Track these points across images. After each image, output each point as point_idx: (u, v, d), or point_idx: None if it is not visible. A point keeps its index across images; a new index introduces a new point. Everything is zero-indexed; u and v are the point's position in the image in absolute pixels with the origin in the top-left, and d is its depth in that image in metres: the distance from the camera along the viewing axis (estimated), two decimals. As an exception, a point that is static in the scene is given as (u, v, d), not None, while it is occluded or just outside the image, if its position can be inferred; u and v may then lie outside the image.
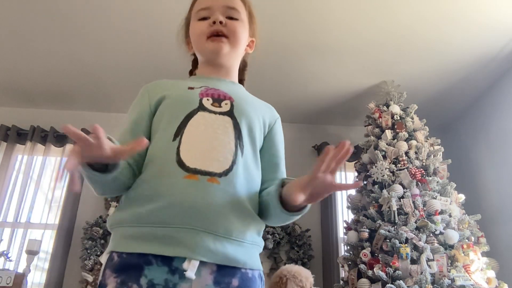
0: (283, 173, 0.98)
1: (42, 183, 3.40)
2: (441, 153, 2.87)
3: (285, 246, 3.21)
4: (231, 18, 1.01)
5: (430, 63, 3.01)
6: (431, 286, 2.15)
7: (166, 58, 3.00)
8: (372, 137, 3.02)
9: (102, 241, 3.01)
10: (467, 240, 2.43)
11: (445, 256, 2.27)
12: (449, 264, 2.27)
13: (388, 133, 2.92)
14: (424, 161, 2.75)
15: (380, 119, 3.03)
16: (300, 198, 0.77)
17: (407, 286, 2.18)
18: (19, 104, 3.61)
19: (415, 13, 2.55)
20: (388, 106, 3.08)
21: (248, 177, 0.87)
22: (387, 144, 2.87)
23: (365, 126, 3.19)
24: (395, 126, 2.94)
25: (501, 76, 3.11)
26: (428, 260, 2.26)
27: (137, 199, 0.81)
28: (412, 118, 2.99)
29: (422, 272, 2.20)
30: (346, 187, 0.89)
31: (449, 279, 2.17)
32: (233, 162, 0.84)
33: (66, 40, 2.83)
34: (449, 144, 3.40)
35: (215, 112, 0.89)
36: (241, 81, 1.12)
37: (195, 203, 0.78)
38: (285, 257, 3.18)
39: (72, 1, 2.50)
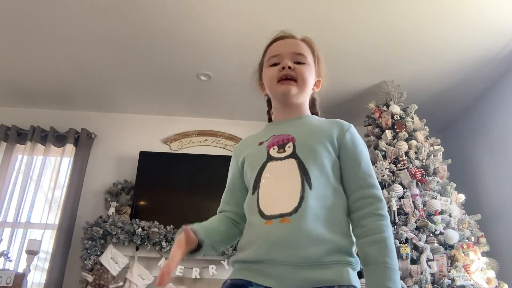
0: (363, 180, 1.03)
1: (42, 183, 3.40)
2: (441, 153, 2.87)
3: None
4: (298, 62, 1.14)
5: (430, 63, 3.01)
6: (431, 286, 2.15)
7: (166, 58, 3.00)
8: (372, 137, 3.02)
9: (102, 241, 3.00)
10: (467, 240, 2.43)
11: (445, 256, 2.27)
12: (449, 264, 2.27)
13: (388, 133, 2.92)
14: (424, 161, 2.75)
15: (380, 119, 3.03)
16: None
17: (407, 286, 2.18)
18: (19, 104, 3.61)
19: (415, 13, 2.55)
20: (388, 106, 3.08)
21: (323, 203, 0.96)
22: (387, 144, 2.87)
23: (365, 126, 3.19)
24: (395, 126, 2.94)
25: (501, 76, 3.11)
26: (428, 260, 2.26)
27: (243, 246, 1.02)
28: (412, 118, 2.99)
29: (422, 272, 2.20)
30: None
31: (449, 279, 2.17)
32: (301, 198, 0.95)
33: (66, 40, 2.83)
34: (449, 144, 3.40)
35: (280, 158, 1.03)
36: (315, 114, 1.26)
37: (273, 243, 0.93)
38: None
39: (72, 1, 2.50)
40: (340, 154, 1.05)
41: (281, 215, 0.94)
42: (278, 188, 0.99)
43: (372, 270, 0.92)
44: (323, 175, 0.99)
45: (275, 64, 1.15)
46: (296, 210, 0.93)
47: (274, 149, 1.05)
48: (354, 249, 0.97)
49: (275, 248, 0.92)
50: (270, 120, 1.26)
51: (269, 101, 1.27)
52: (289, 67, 1.11)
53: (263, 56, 1.23)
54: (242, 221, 1.07)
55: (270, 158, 1.04)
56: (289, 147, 1.04)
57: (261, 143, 1.10)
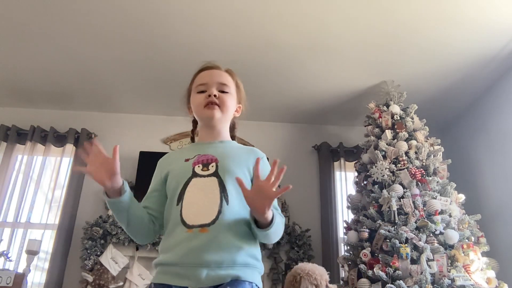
0: None
1: (42, 183, 3.40)
2: (441, 153, 2.87)
3: (285, 246, 3.21)
4: (222, 91, 1.32)
5: (430, 63, 3.01)
6: (431, 286, 2.15)
7: (166, 58, 3.00)
8: (372, 137, 3.02)
9: (102, 241, 3.01)
10: (467, 240, 2.43)
11: (445, 256, 2.27)
12: (449, 264, 2.27)
13: (388, 133, 2.92)
14: (424, 161, 2.75)
15: (380, 119, 3.03)
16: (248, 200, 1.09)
17: (407, 286, 2.18)
18: (19, 104, 3.61)
19: (415, 13, 2.55)
20: (388, 106, 3.08)
21: (235, 217, 1.13)
22: (387, 144, 2.87)
23: (365, 126, 3.19)
24: (395, 126, 2.94)
25: (501, 76, 3.11)
26: (428, 260, 2.26)
27: (163, 250, 1.16)
28: (412, 118, 2.99)
29: (422, 272, 2.20)
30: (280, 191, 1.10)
31: (449, 279, 2.17)
32: (219, 212, 1.11)
33: (65, 40, 2.83)
34: (449, 144, 3.40)
35: (204, 176, 1.18)
36: (233, 137, 1.43)
37: (192, 249, 1.08)
38: (285, 257, 3.18)
39: (72, 1, 2.50)
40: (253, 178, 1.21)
41: (201, 225, 1.10)
42: (200, 201, 1.14)
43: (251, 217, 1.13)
44: (238, 194, 1.14)
45: (202, 92, 1.32)
46: (214, 221, 1.10)
47: (199, 166, 1.20)
48: (260, 255, 1.17)
49: (193, 253, 1.07)
50: (192, 139, 1.43)
51: (194, 122, 1.43)
52: (215, 95, 1.29)
53: (191, 82, 1.39)
54: (157, 222, 1.23)
55: (195, 175, 1.19)
56: (212, 166, 1.20)
57: (187, 160, 1.24)
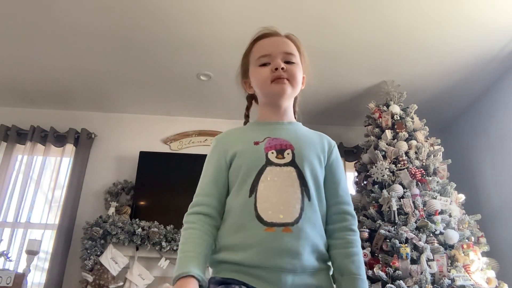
0: (343, 197, 1.12)
1: (42, 183, 3.40)
2: (441, 153, 2.87)
3: (285, 246, 3.20)
4: (288, 62, 1.14)
5: (430, 63, 3.01)
6: (431, 286, 2.15)
7: (166, 58, 3.00)
8: (372, 137, 3.02)
9: (102, 241, 3.00)
10: (467, 240, 2.43)
11: (445, 256, 2.27)
12: (449, 264, 2.27)
13: (388, 133, 2.92)
14: (424, 161, 2.75)
15: (380, 119, 3.03)
16: None
17: (407, 286, 2.18)
18: (19, 104, 3.61)
19: (415, 13, 2.55)
20: (388, 106, 3.08)
21: (315, 215, 1.03)
22: (387, 144, 2.87)
23: (365, 126, 3.19)
24: (395, 126, 2.94)
25: (501, 76, 3.11)
26: (428, 260, 2.26)
27: (230, 248, 1.00)
28: (412, 118, 2.99)
29: (422, 272, 2.20)
30: None
31: (449, 279, 2.17)
32: (302, 209, 1.00)
33: (65, 40, 2.83)
34: (449, 144, 3.40)
35: (280, 165, 1.04)
36: (295, 115, 1.26)
37: (275, 251, 0.96)
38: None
39: (72, 1, 2.50)
40: (326, 167, 1.12)
41: (283, 224, 0.97)
42: (279, 196, 1.00)
43: (348, 280, 1.01)
44: (317, 187, 1.06)
45: (264, 64, 1.14)
46: (297, 221, 0.98)
47: (272, 153, 1.06)
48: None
49: (278, 256, 0.96)
50: (247, 117, 1.27)
51: (249, 99, 1.28)
52: (282, 68, 1.12)
53: (246, 55, 1.22)
54: (219, 217, 1.07)
55: (269, 162, 1.04)
56: (288, 154, 1.06)
57: (256, 143, 1.08)
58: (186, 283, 0.90)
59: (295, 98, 1.25)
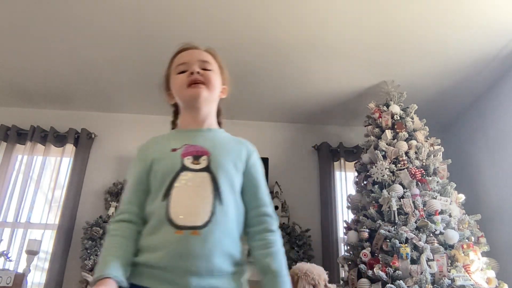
0: (262, 200, 1.16)
1: (42, 183, 3.40)
2: (441, 153, 2.87)
3: (285, 246, 3.17)
4: (205, 69, 1.21)
5: (430, 63, 3.01)
6: (431, 286, 2.15)
7: (166, 58, 2.99)
8: (372, 137, 3.02)
9: (102, 241, 3.00)
10: (467, 240, 2.43)
11: (445, 256, 2.27)
12: (449, 264, 2.27)
13: (388, 133, 2.92)
14: (424, 161, 2.75)
15: (380, 119, 3.03)
16: None
17: (407, 286, 2.18)
18: (19, 104, 3.61)
19: (415, 13, 2.55)
20: (388, 106, 3.08)
21: (227, 219, 1.05)
22: (387, 144, 2.87)
23: (365, 126, 3.19)
24: (395, 126, 2.94)
25: (500, 76, 3.11)
26: (428, 260, 2.26)
27: (146, 249, 1.04)
28: (412, 118, 2.99)
29: (422, 272, 2.20)
30: None
31: (449, 279, 2.17)
32: (212, 213, 1.03)
33: (66, 40, 2.83)
34: (449, 144, 3.40)
35: (195, 170, 1.08)
36: (219, 124, 1.30)
37: (182, 253, 0.99)
38: (285, 257, 3.17)
39: (72, 1, 2.50)
40: (245, 173, 1.16)
41: (192, 227, 1.00)
42: (191, 200, 1.04)
43: (270, 279, 1.05)
44: (231, 192, 1.09)
45: (182, 72, 1.21)
46: (206, 224, 1.01)
47: (188, 159, 1.09)
48: (244, 258, 1.10)
49: (184, 258, 0.99)
50: (173, 123, 1.33)
51: (175, 112, 1.35)
52: (198, 72, 1.18)
53: (169, 66, 1.30)
54: (142, 222, 1.09)
55: (184, 168, 1.08)
56: (203, 160, 1.10)
57: (174, 150, 1.12)
58: (102, 284, 0.93)
59: (219, 109, 1.31)
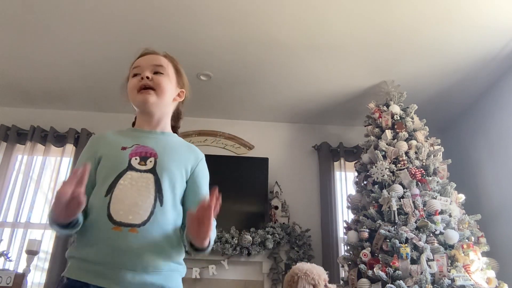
0: (202, 197, 1.16)
1: (42, 183, 3.40)
2: (441, 153, 2.87)
3: (285, 246, 3.21)
4: (157, 73, 1.23)
5: (430, 63, 3.01)
6: (431, 286, 2.15)
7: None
8: (372, 137, 3.02)
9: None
10: (467, 240, 2.43)
11: (445, 256, 2.27)
12: (449, 264, 2.27)
13: (388, 133, 2.92)
14: (424, 161, 2.75)
15: (380, 119, 3.03)
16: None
17: (407, 286, 2.18)
18: (19, 104, 3.61)
19: (415, 13, 2.55)
20: (388, 106, 3.08)
21: (166, 220, 1.09)
22: (387, 144, 2.87)
23: (365, 126, 3.19)
24: (395, 126, 2.94)
25: (501, 76, 3.11)
26: (428, 260, 2.26)
27: (84, 243, 1.06)
28: (412, 118, 2.99)
29: (422, 272, 2.20)
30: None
31: (449, 279, 2.17)
32: (151, 213, 1.06)
33: (65, 40, 2.83)
34: (449, 144, 3.40)
35: (140, 171, 1.11)
36: (174, 127, 1.33)
37: (119, 249, 1.02)
38: (285, 257, 3.18)
39: (72, 1, 2.50)
40: (190, 177, 1.20)
41: (130, 225, 1.03)
42: (132, 198, 1.07)
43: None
44: (173, 195, 1.12)
45: (136, 75, 1.23)
46: (144, 223, 1.04)
47: (136, 159, 1.13)
48: (183, 258, 1.14)
49: (120, 254, 1.01)
50: (134, 123, 1.32)
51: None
52: (148, 77, 1.20)
53: (129, 71, 1.31)
54: (82, 215, 1.08)
55: (130, 167, 1.11)
56: (150, 161, 1.13)
57: (124, 148, 1.15)
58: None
59: (178, 113, 1.35)
